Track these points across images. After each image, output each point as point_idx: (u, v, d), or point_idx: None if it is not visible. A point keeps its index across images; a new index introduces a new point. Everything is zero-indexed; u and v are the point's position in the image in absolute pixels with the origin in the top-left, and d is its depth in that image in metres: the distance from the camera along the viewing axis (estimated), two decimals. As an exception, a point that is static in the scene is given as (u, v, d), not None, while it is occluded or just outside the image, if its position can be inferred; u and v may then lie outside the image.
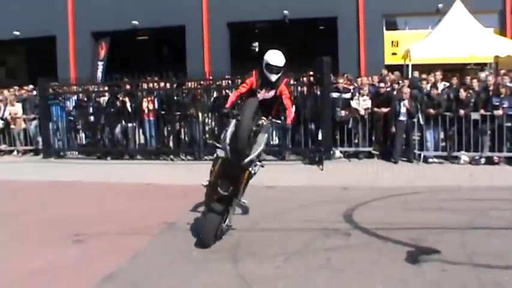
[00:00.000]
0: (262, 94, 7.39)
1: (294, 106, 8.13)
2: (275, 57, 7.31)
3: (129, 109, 15.17)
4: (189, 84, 15.48)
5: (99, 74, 23.22)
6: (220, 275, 6.15)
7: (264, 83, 7.37)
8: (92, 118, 15.97)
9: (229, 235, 7.60)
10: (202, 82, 15.39)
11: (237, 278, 6.06)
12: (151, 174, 13.08)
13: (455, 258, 6.37)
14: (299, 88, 14.44)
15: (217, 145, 7.39)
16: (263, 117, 7.38)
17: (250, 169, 7.11)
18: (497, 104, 12.80)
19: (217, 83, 15.13)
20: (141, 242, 7.45)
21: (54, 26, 26.83)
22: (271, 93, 7.41)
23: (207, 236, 7.09)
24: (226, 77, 15.40)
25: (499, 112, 12.64)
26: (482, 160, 13.01)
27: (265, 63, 7.27)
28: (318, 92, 13.98)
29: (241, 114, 7.10)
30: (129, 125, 15.26)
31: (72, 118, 16.29)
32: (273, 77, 7.29)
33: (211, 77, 15.73)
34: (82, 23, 27.07)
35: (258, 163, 7.33)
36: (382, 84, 14.58)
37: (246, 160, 7.01)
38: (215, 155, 7.39)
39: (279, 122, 7.69)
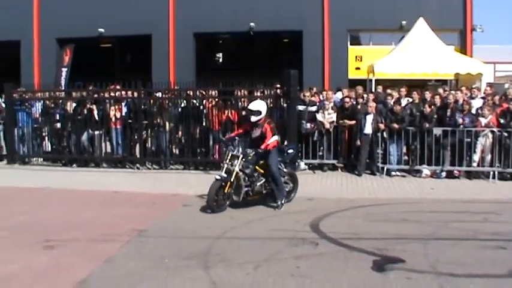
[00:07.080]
0: (253, 133, 10.09)
1: (275, 136, 10.07)
2: (252, 103, 10.37)
3: (96, 117, 15.09)
4: (159, 94, 15.49)
5: (63, 80, 23.08)
6: (193, 282, 6.23)
7: (253, 126, 10.08)
8: (58, 125, 15.79)
9: (199, 242, 7.73)
10: (170, 92, 15.55)
11: (210, 284, 6.16)
12: (118, 182, 13.11)
13: (420, 267, 6.60)
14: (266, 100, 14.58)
15: None
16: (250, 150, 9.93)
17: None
18: (460, 119, 13.16)
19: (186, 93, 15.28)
20: (112, 249, 7.49)
21: (19, 31, 26.55)
22: (258, 131, 9.99)
23: None
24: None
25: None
26: (443, 174, 13.37)
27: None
28: (284, 105, 14.18)
29: None
30: (96, 132, 15.16)
31: (38, 125, 16.13)
32: (252, 118, 10.01)
33: (178, 87, 15.85)
34: (47, 29, 26.89)
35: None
36: (347, 99, 14.65)
37: None
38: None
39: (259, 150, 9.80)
